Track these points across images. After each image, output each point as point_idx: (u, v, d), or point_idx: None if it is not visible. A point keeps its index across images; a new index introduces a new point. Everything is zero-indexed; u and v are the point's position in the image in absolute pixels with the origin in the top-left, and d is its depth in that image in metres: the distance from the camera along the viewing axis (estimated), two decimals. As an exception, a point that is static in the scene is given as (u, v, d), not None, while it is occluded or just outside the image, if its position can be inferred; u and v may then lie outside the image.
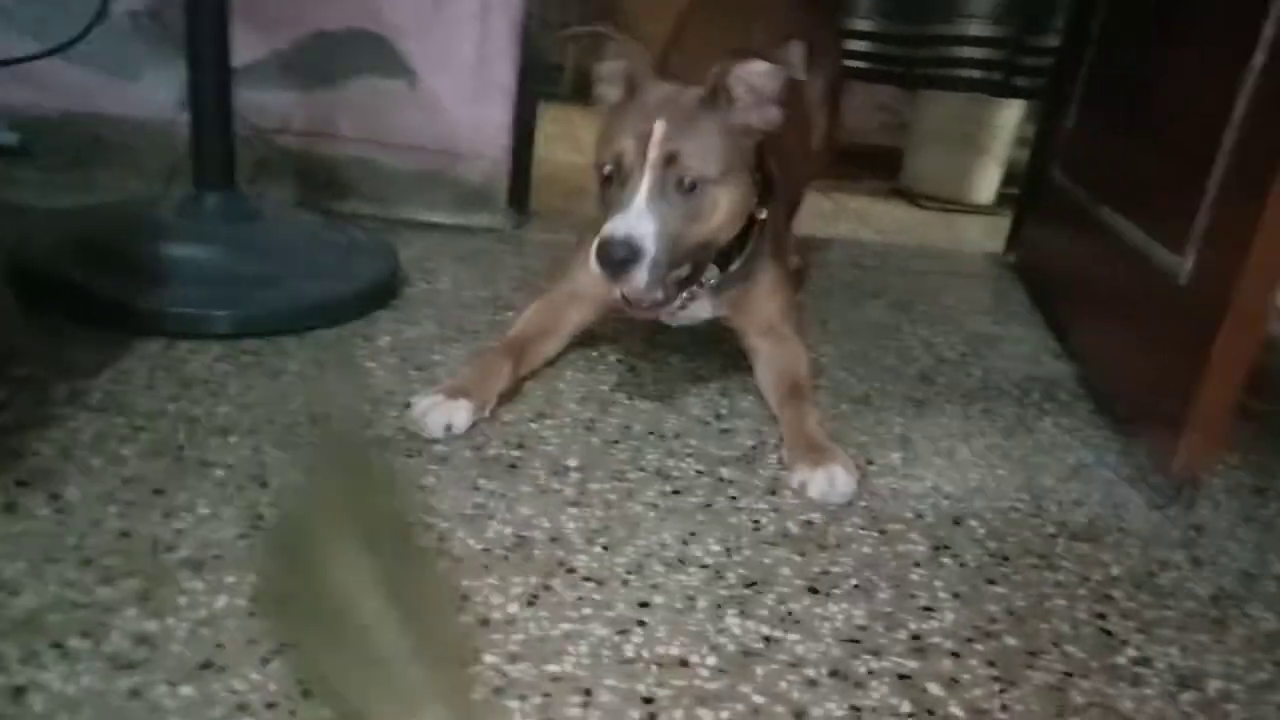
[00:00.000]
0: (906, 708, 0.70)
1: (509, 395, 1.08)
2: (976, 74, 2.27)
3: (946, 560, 0.90)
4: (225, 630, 0.68)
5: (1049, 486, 1.06)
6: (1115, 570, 0.91)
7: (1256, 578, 0.93)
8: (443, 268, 1.51)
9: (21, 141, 1.65)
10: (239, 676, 0.64)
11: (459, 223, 1.75)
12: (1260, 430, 1.23)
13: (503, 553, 0.82)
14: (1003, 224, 2.09)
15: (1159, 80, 1.36)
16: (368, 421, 1.01)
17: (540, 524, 0.87)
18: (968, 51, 2.25)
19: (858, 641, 0.77)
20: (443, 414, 0.99)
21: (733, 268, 1.10)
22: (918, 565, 0.88)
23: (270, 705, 0.62)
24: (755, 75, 0.99)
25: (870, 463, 1.06)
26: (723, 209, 0.99)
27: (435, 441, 0.98)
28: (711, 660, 0.73)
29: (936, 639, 0.78)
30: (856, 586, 0.84)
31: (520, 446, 1.00)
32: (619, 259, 0.92)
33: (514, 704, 0.66)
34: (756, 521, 0.92)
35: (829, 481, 0.97)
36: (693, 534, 0.89)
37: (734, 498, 0.96)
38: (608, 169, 0.98)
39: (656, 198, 0.94)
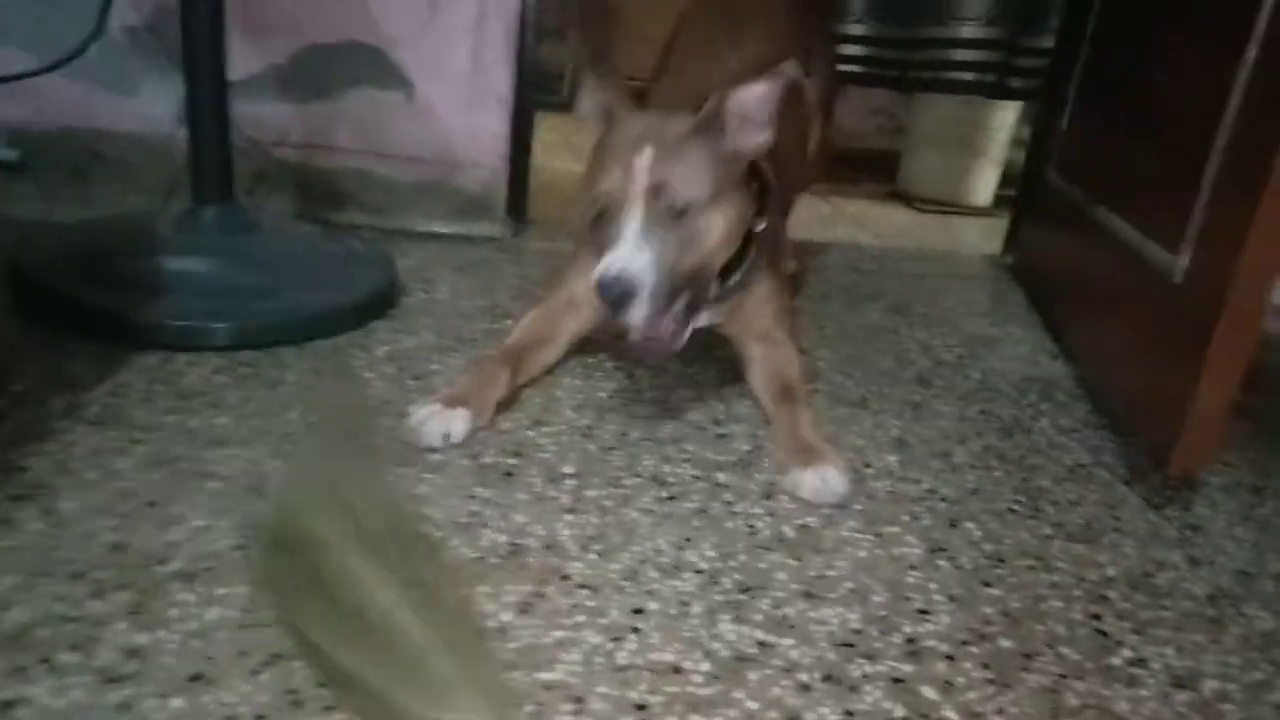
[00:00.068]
0: (900, 712, 0.70)
1: (507, 404, 1.09)
2: (971, 76, 2.27)
3: (942, 563, 0.90)
4: (216, 642, 0.68)
5: (1045, 487, 1.06)
6: (1111, 571, 0.91)
7: (1253, 577, 0.92)
8: (441, 277, 1.52)
9: (21, 157, 1.66)
10: (229, 689, 0.64)
11: (457, 232, 1.75)
12: (1257, 429, 1.23)
13: (497, 560, 0.82)
14: (1000, 226, 2.09)
15: (1153, 79, 1.36)
16: (365, 428, 1.01)
17: (535, 531, 0.87)
18: (962, 54, 2.25)
19: (852, 646, 0.77)
20: (441, 423, 0.99)
21: (732, 280, 1.10)
22: (913, 568, 0.88)
23: (260, 717, 0.62)
24: (748, 101, 0.98)
25: (867, 466, 1.06)
26: (717, 232, 0.99)
27: (431, 450, 0.98)
28: (705, 666, 0.73)
29: (931, 642, 0.78)
30: (852, 590, 0.84)
31: (517, 454, 1.00)
32: (617, 295, 0.92)
33: (506, 712, 0.66)
34: (752, 526, 0.92)
35: (821, 481, 0.97)
36: (688, 540, 0.89)
37: (729, 503, 0.96)
38: (598, 207, 0.98)
39: (648, 228, 0.94)
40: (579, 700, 0.67)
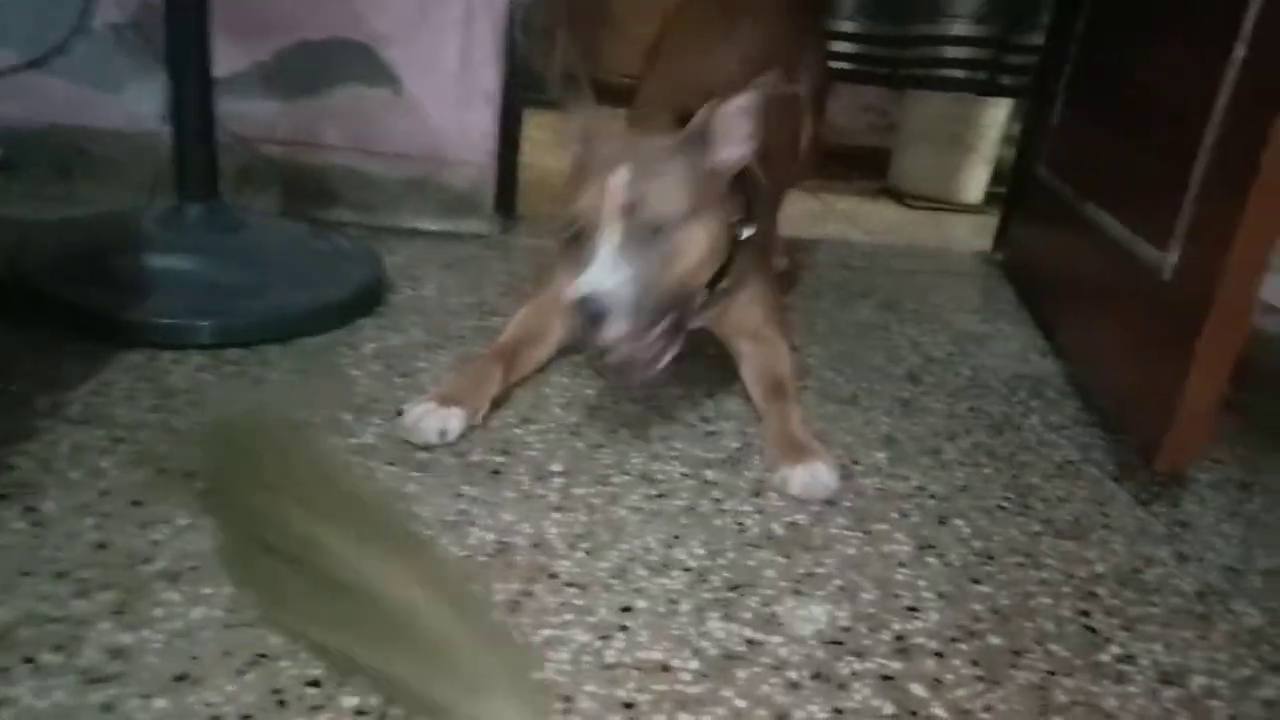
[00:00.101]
0: (889, 709, 0.70)
1: (499, 401, 1.08)
2: (962, 73, 2.27)
3: (931, 560, 0.90)
4: (200, 642, 0.67)
5: (1035, 484, 1.06)
6: (1100, 567, 0.91)
7: (1241, 573, 0.92)
8: (429, 274, 1.51)
9: (6, 155, 1.64)
10: (214, 688, 0.63)
11: (445, 229, 1.74)
12: (1246, 425, 1.23)
13: (485, 559, 0.82)
14: (991, 223, 2.09)
15: (1142, 76, 1.36)
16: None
17: (523, 530, 0.86)
18: (953, 51, 2.25)
19: (841, 643, 0.77)
20: (436, 421, 0.99)
21: (721, 286, 1.08)
22: (902, 565, 0.88)
23: (245, 717, 0.62)
24: (728, 116, 0.97)
25: (856, 463, 1.06)
26: (695, 250, 0.96)
27: (418, 449, 0.97)
28: (693, 664, 0.72)
29: (920, 639, 0.78)
30: (841, 588, 0.84)
31: (504, 452, 1.00)
32: (590, 315, 0.89)
33: (493, 711, 0.65)
34: (741, 524, 0.92)
35: (811, 478, 0.96)
36: (676, 537, 0.88)
37: (718, 500, 0.96)
38: (573, 226, 0.95)
39: (623, 247, 0.91)
40: (567, 699, 0.67)
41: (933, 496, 1.01)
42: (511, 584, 0.79)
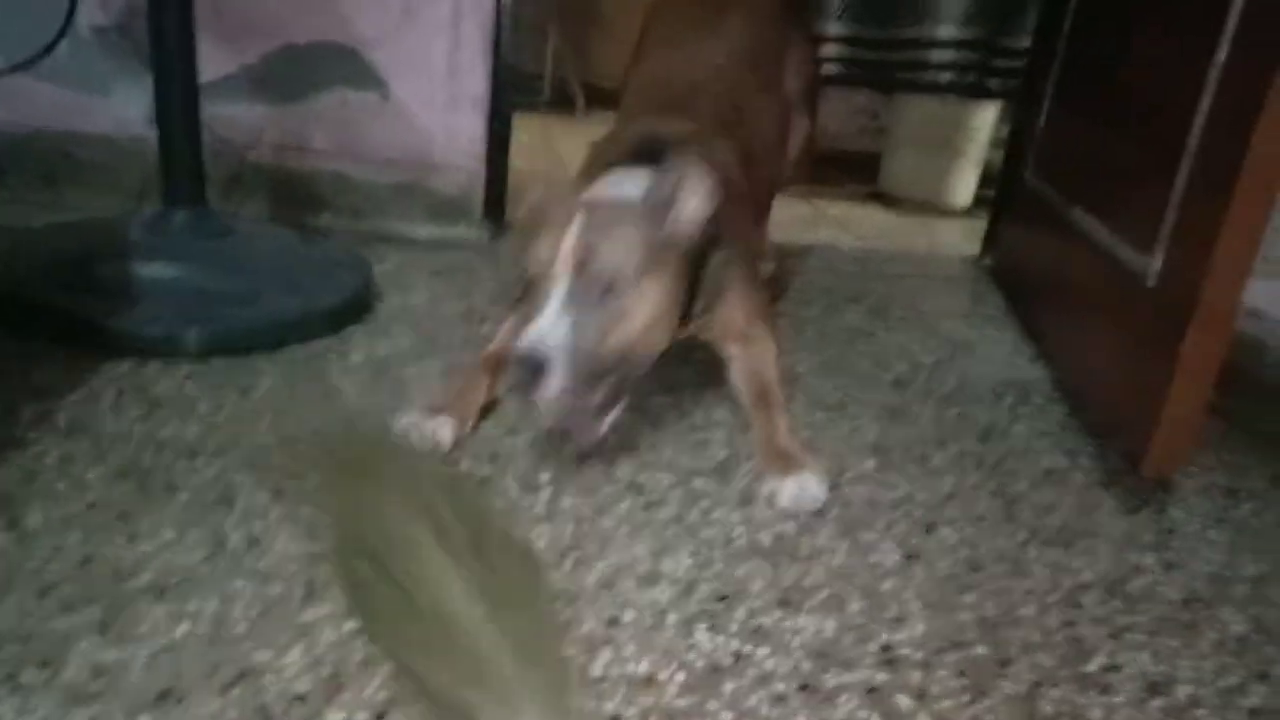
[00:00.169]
0: (875, 721, 0.70)
1: (488, 411, 1.08)
2: (949, 77, 2.28)
3: (918, 569, 0.90)
4: (185, 658, 0.67)
5: (1022, 491, 1.06)
6: (1087, 575, 0.91)
7: (1227, 580, 0.93)
8: (418, 281, 1.51)
9: (-9, 161, 1.64)
10: (199, 705, 0.63)
11: (434, 235, 1.74)
12: (1231, 430, 1.23)
13: (471, 571, 0.81)
14: (980, 227, 2.09)
15: (1127, 79, 1.37)
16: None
17: (510, 541, 0.86)
18: (940, 54, 2.26)
19: (827, 655, 0.77)
20: (427, 430, 0.99)
21: (697, 307, 1.06)
22: (889, 575, 0.88)
23: (230, 734, 0.61)
24: (688, 183, 0.95)
25: (844, 471, 1.06)
26: (644, 312, 0.94)
27: (406, 459, 0.97)
28: (680, 677, 0.72)
29: (906, 650, 0.78)
30: (828, 598, 0.84)
31: (492, 461, 1.00)
32: (531, 370, 0.86)
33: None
34: (729, 534, 0.92)
35: (799, 489, 0.96)
36: (664, 548, 0.88)
37: (707, 510, 0.96)
38: (526, 280, 0.94)
39: (571, 304, 0.89)
40: (553, 714, 0.67)
41: (920, 505, 1.01)
42: (499, 596, 0.78)
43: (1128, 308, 1.15)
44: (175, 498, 0.86)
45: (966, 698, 0.74)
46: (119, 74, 1.63)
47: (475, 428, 1.04)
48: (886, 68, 2.33)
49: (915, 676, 0.75)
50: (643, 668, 0.73)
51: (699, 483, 1.00)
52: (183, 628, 0.70)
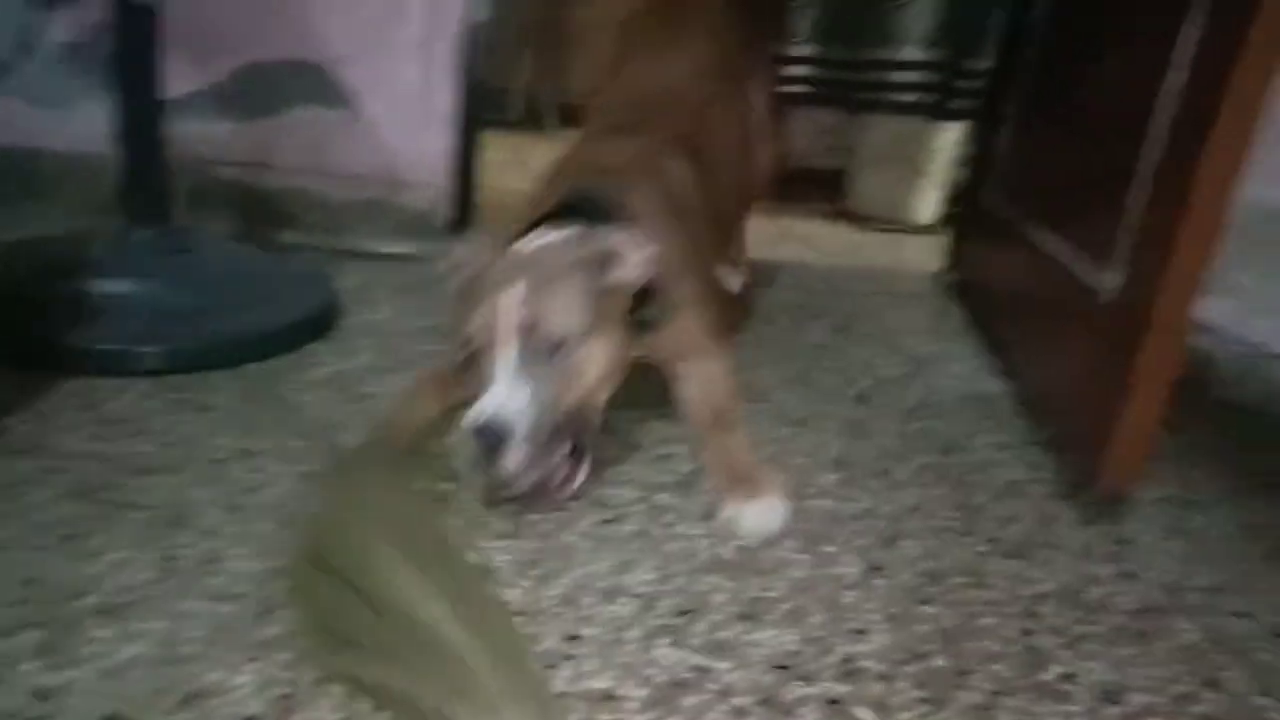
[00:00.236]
0: (834, 734, 0.70)
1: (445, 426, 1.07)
2: (913, 97, 2.31)
3: (879, 582, 0.90)
4: (132, 680, 0.66)
5: (983, 504, 1.07)
6: (1044, 586, 0.92)
7: (1181, 590, 0.94)
8: (383, 297, 1.50)
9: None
10: (145, 727, 0.62)
11: (402, 251, 1.73)
12: (1188, 443, 1.25)
13: (430, 588, 0.81)
14: (944, 244, 2.12)
15: (1085, 99, 1.39)
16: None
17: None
18: (904, 75, 2.29)
19: (788, 668, 0.77)
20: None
21: (647, 332, 1.03)
22: (850, 588, 0.89)
23: (177, 756, 0.60)
24: (628, 239, 0.94)
25: (807, 485, 1.07)
26: (595, 367, 0.92)
27: (366, 475, 0.96)
28: (640, 692, 0.72)
29: (867, 662, 0.78)
30: (789, 611, 0.84)
31: (453, 479, 0.99)
32: (490, 444, 0.84)
33: (434, 745, 0.64)
34: (692, 548, 0.92)
35: (760, 515, 0.96)
36: (627, 563, 0.88)
37: (669, 524, 0.96)
38: (467, 349, 0.91)
39: (522, 367, 0.87)
40: (510, 731, 0.66)
41: (881, 518, 1.02)
42: (457, 613, 0.78)
43: (1085, 323, 1.17)
44: (127, 516, 0.84)
45: (925, 709, 0.74)
46: (84, 90, 1.62)
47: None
48: (852, 88, 2.36)
49: (876, 688, 0.75)
50: (603, 683, 0.72)
51: (662, 497, 1.00)
52: (130, 649, 0.69)
